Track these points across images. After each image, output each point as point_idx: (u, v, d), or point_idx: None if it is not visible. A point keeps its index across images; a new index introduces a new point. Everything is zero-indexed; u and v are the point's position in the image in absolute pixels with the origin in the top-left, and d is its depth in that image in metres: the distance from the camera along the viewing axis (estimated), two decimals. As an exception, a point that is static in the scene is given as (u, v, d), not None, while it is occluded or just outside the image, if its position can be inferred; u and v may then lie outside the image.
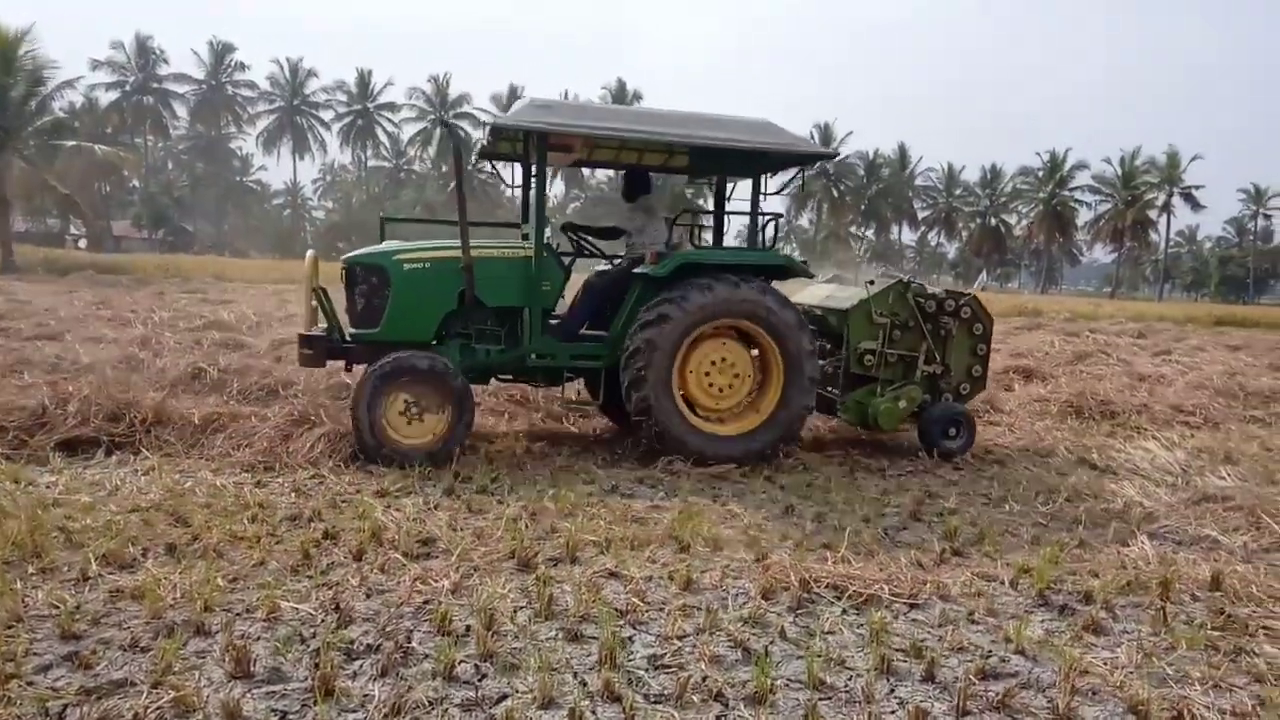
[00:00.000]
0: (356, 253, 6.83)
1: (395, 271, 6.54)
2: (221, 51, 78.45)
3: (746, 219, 7.57)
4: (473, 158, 8.90)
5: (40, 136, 32.00)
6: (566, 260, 7.12)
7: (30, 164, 31.84)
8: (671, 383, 6.52)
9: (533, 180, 6.99)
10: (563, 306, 7.26)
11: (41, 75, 30.91)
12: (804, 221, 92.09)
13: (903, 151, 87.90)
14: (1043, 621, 3.92)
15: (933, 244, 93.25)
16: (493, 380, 7.41)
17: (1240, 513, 5.61)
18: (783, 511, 5.49)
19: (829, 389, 7.40)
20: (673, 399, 6.53)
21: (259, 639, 3.37)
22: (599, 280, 7.25)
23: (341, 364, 7.09)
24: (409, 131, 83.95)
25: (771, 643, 3.55)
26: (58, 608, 3.50)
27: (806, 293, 8.08)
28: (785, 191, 7.93)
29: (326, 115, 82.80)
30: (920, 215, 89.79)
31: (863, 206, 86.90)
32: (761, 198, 7.47)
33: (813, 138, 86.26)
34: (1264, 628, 3.89)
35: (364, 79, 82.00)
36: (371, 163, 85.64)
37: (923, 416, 7.30)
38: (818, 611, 3.89)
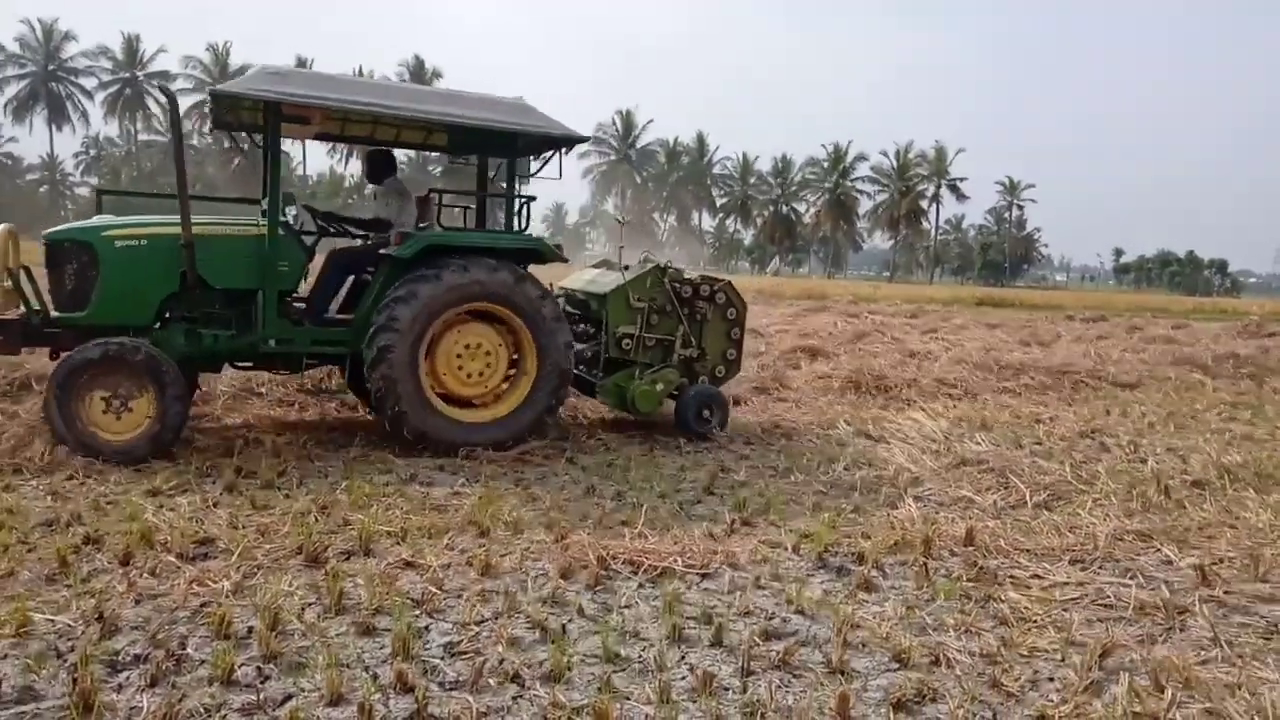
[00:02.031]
0: (60, 228, 6.19)
1: (105, 249, 5.95)
2: (-44, 6, 69.48)
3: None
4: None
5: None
6: (310, 240, 6.69)
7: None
8: (417, 364, 6.23)
9: (269, 153, 6.49)
10: (306, 290, 6.82)
11: None
12: (609, 207, 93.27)
13: (701, 140, 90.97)
14: (822, 583, 4.20)
15: (730, 230, 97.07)
16: (227, 367, 6.86)
17: (992, 474, 6.23)
18: (584, 492, 5.57)
19: (593, 372, 7.41)
20: (417, 380, 6.23)
21: (6, 656, 3.05)
22: (342, 258, 6.89)
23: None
24: (186, 103, 77.83)
25: (569, 621, 3.60)
26: None
27: (572, 277, 8.13)
28: (537, 175, 7.82)
29: (88, 83, 75.41)
30: (718, 202, 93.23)
31: (665, 193, 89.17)
32: (520, 180, 7.24)
33: (615, 124, 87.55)
34: (1010, 577, 4.34)
35: (131, 45, 75.16)
36: (143, 136, 78.79)
37: (679, 399, 7.38)
38: (615, 587, 3.98)
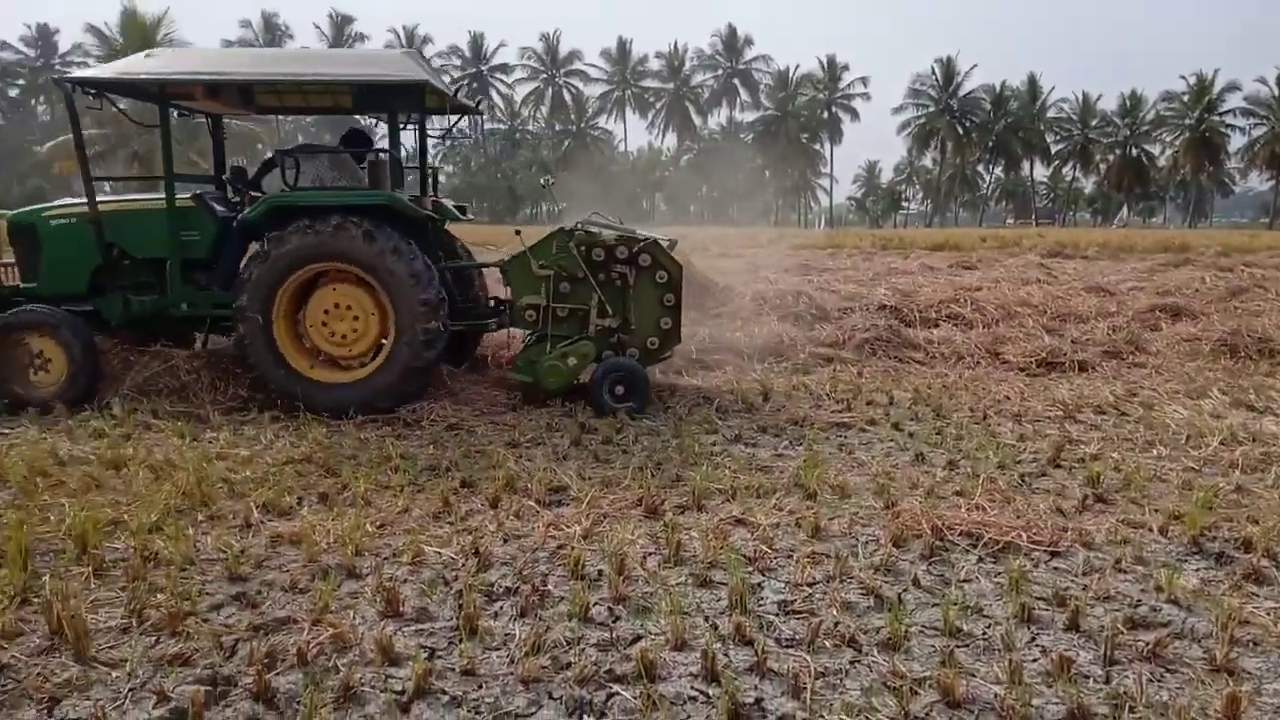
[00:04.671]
0: (18, 211, 7.17)
1: (44, 228, 6.89)
2: (341, 23, 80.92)
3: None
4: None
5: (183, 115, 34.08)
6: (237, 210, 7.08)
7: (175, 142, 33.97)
8: (271, 326, 6.42)
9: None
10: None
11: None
12: (927, 161, 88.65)
13: (1032, 82, 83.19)
14: (1197, 570, 3.73)
15: (1068, 179, 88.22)
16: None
17: None
18: (913, 459, 5.38)
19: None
20: (272, 342, 6.42)
21: (406, 581, 3.55)
22: (242, 224, 7.02)
23: None
24: (522, 92, 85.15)
25: (905, 590, 3.50)
26: (225, 552, 3.77)
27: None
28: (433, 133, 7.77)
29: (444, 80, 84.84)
30: (1053, 149, 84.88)
31: (990, 143, 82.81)
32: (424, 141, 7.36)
33: (933, 73, 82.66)
34: None
35: (477, 42, 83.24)
36: (487, 125, 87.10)
37: (592, 373, 6.73)
38: (952, 559, 3.81)
